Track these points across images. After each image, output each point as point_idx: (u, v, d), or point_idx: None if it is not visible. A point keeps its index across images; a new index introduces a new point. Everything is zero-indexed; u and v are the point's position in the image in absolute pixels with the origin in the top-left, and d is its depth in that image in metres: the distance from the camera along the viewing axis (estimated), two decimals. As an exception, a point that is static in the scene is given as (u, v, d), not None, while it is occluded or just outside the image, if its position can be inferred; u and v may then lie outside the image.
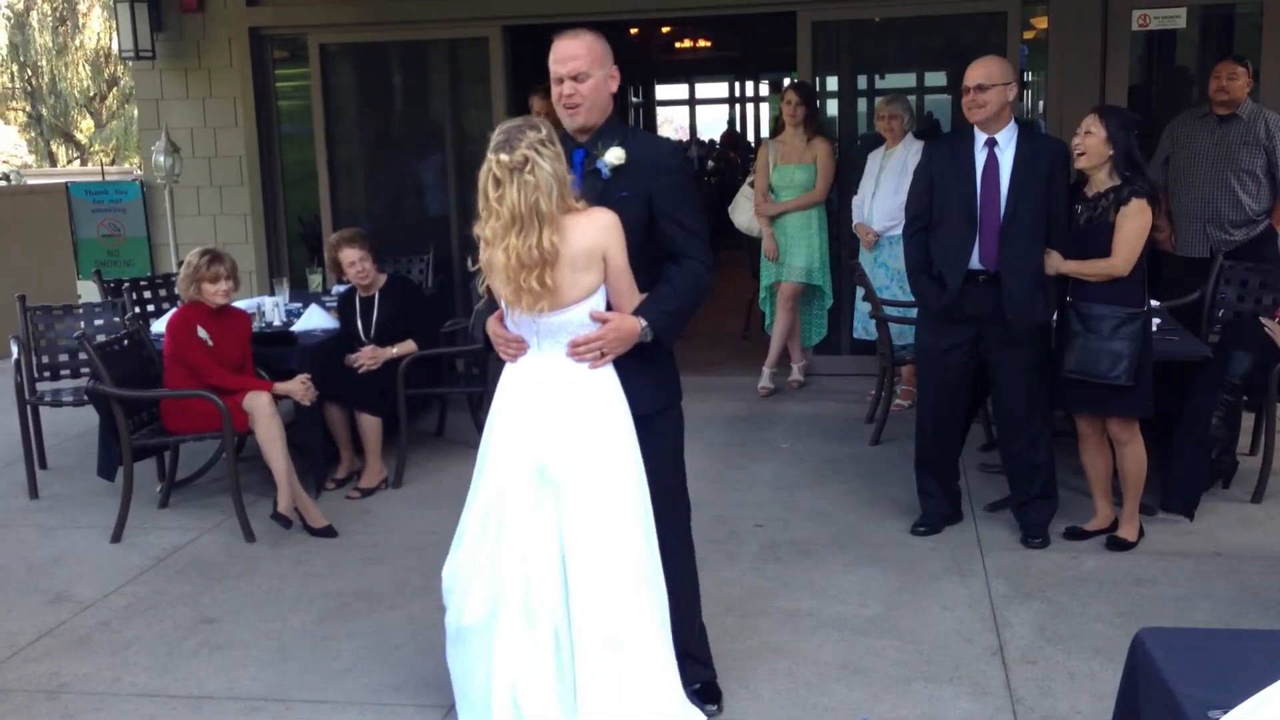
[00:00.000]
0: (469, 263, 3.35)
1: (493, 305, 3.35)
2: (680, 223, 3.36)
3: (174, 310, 5.71)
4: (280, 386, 5.39)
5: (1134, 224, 4.50)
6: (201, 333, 5.37)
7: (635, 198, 3.31)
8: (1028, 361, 4.79)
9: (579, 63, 3.30)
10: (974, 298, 4.75)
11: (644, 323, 3.26)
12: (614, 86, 3.39)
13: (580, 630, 3.21)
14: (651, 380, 3.37)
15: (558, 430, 3.23)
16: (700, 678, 3.60)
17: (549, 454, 3.23)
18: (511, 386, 3.33)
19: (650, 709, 3.24)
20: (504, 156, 3.09)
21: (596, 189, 3.32)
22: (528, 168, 3.06)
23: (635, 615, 3.23)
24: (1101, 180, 4.58)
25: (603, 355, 3.24)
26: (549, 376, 3.27)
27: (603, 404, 3.26)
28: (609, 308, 3.25)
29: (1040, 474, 4.91)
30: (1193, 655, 2.33)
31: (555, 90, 3.37)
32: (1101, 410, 4.71)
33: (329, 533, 5.20)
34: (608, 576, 3.20)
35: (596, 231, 3.16)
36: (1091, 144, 4.53)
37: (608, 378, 3.28)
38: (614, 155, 3.32)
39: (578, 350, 3.23)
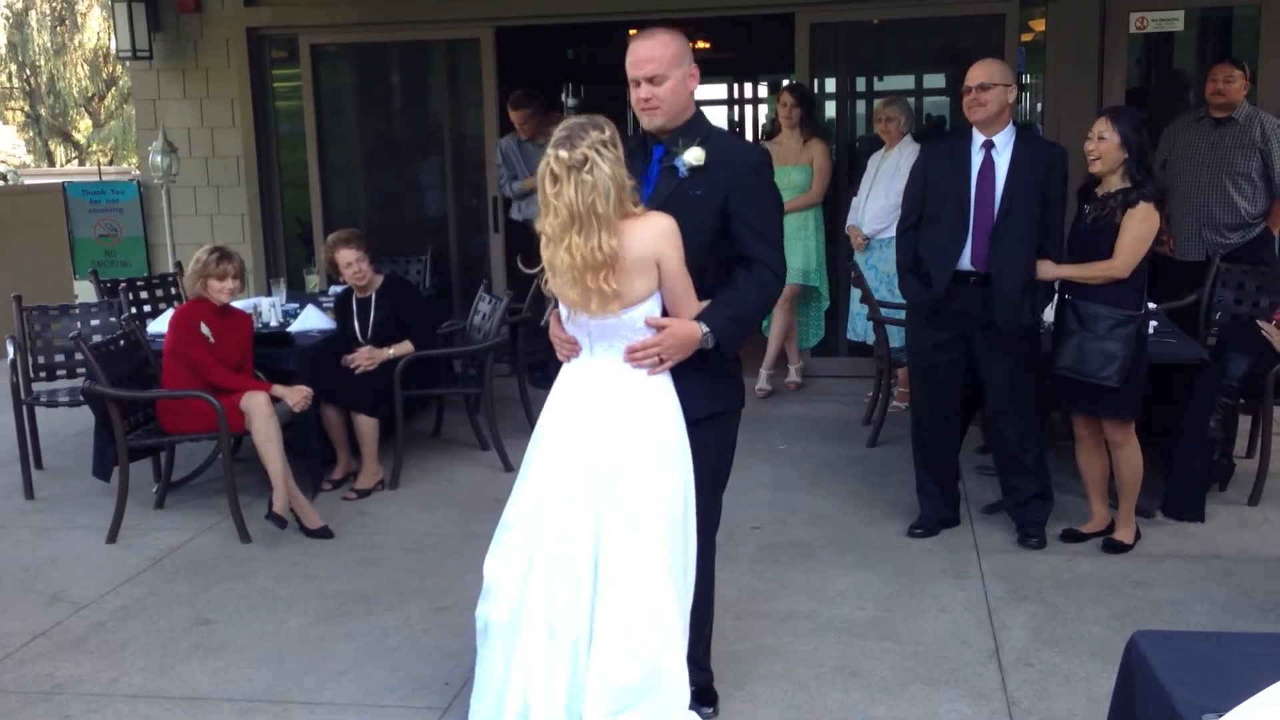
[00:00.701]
0: (518, 261, 3.25)
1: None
2: (753, 227, 3.27)
3: (178, 306, 5.71)
4: (279, 390, 5.39)
5: (1139, 227, 4.50)
6: (205, 329, 5.37)
7: (710, 198, 3.25)
8: (1015, 363, 4.80)
9: (654, 65, 3.23)
10: (963, 298, 4.76)
11: (705, 329, 3.20)
12: (694, 85, 3.30)
13: (600, 634, 3.16)
14: (707, 384, 3.29)
15: (609, 435, 3.19)
16: (697, 680, 3.57)
17: (602, 458, 3.19)
18: (565, 388, 3.31)
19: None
20: (563, 153, 3.05)
21: (671, 186, 3.27)
22: (586, 167, 3.03)
23: (669, 635, 3.18)
24: (1114, 182, 4.59)
25: (661, 361, 3.19)
26: (602, 380, 3.24)
27: (660, 409, 3.21)
28: (664, 313, 3.20)
29: (1030, 474, 4.91)
30: (1188, 658, 2.33)
31: (633, 93, 3.29)
32: (1093, 410, 4.71)
33: (325, 534, 5.20)
34: (645, 593, 3.15)
35: (651, 237, 3.11)
36: (1105, 148, 4.53)
37: (661, 382, 3.23)
38: (693, 155, 3.24)
39: (635, 356, 3.18)
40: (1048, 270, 4.65)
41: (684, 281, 3.17)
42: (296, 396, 5.40)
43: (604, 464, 3.18)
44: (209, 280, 5.39)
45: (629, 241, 3.08)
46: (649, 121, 3.31)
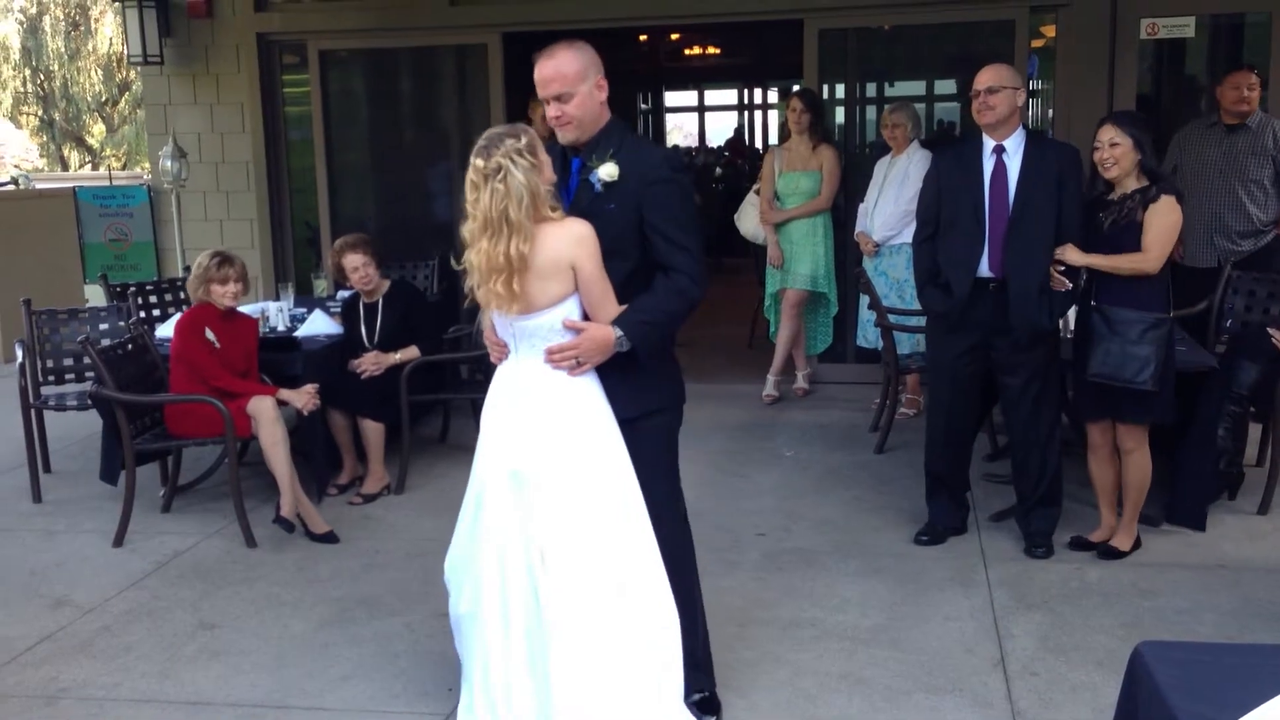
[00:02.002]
0: (452, 260, 3.35)
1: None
2: (665, 235, 3.33)
3: (183, 311, 5.73)
4: (285, 393, 5.39)
5: (1166, 220, 4.48)
6: (209, 334, 5.38)
7: (623, 210, 3.31)
8: (1035, 369, 4.77)
9: (556, 85, 3.31)
10: (982, 305, 4.73)
11: (619, 332, 3.26)
12: (602, 96, 3.37)
13: (553, 639, 3.23)
14: (636, 383, 3.36)
15: (530, 434, 3.28)
16: (701, 688, 3.58)
17: (521, 458, 3.28)
18: (495, 388, 3.42)
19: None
20: (479, 162, 3.17)
21: (588, 199, 3.34)
22: (500, 175, 3.13)
23: (613, 626, 3.22)
24: (1129, 183, 4.57)
25: (579, 364, 3.27)
26: (526, 380, 3.33)
27: (579, 408, 3.29)
28: (585, 317, 3.27)
29: (1045, 481, 4.88)
30: (1192, 669, 2.31)
31: (546, 110, 3.37)
32: (1120, 416, 4.68)
33: (330, 538, 5.19)
34: (580, 585, 3.21)
35: (567, 242, 3.19)
36: (1120, 153, 4.51)
37: (586, 382, 3.31)
38: (606, 171, 3.31)
39: (554, 357, 3.26)
40: (1075, 256, 4.59)
41: (600, 286, 3.24)
42: (303, 398, 5.40)
43: (517, 463, 3.28)
44: (211, 285, 5.40)
45: (542, 246, 3.16)
46: (562, 137, 3.39)
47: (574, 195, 3.38)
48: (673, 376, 3.53)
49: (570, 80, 3.30)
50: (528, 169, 3.13)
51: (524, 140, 3.17)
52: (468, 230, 3.22)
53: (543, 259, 3.17)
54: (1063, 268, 4.61)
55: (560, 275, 3.20)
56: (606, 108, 3.41)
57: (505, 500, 3.31)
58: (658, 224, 3.32)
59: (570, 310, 3.25)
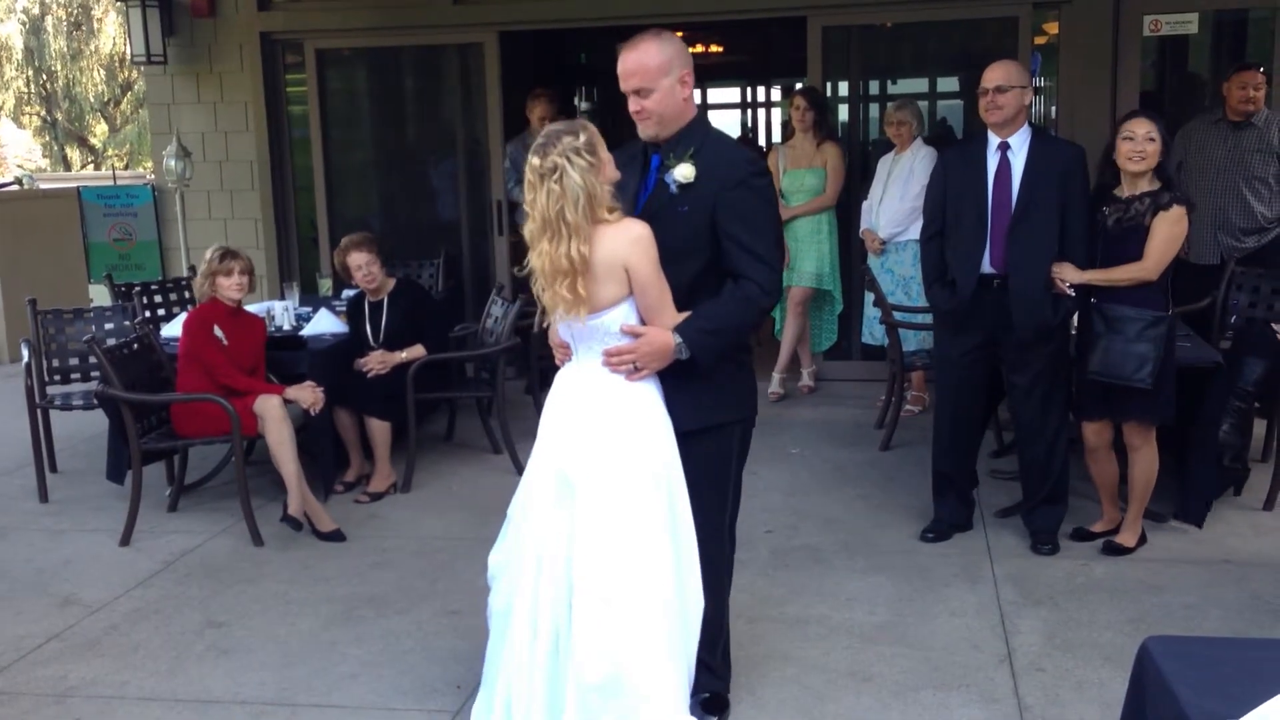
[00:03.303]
0: (515, 270, 3.32)
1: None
2: (740, 241, 3.25)
3: (191, 309, 5.74)
4: (291, 391, 5.40)
5: (1172, 230, 4.48)
6: (218, 331, 5.40)
7: (696, 213, 3.24)
8: (1042, 366, 4.77)
9: (639, 78, 3.22)
10: (987, 303, 4.73)
11: (678, 339, 3.20)
12: (686, 92, 3.27)
13: (578, 646, 3.18)
14: (698, 395, 3.29)
15: (580, 437, 3.24)
16: (710, 688, 3.57)
17: (568, 460, 3.24)
18: (555, 390, 3.38)
19: None
20: (536, 160, 3.11)
21: (663, 199, 3.27)
22: (555, 175, 3.07)
23: (641, 638, 3.18)
24: (1142, 184, 4.54)
25: (636, 369, 3.21)
26: (583, 382, 3.29)
27: (632, 415, 3.24)
28: (642, 321, 3.22)
29: (1052, 478, 4.89)
30: (1200, 664, 2.31)
31: (629, 103, 3.28)
32: (1121, 415, 4.68)
33: (337, 537, 5.20)
34: (614, 595, 3.17)
35: (622, 243, 3.12)
36: (1154, 150, 4.47)
37: (644, 390, 3.26)
38: (682, 173, 3.24)
39: (611, 361, 3.22)
40: (1073, 274, 4.59)
41: (657, 290, 3.17)
42: (308, 395, 5.42)
43: (566, 465, 3.24)
44: (217, 279, 5.42)
45: (598, 247, 3.11)
46: (642, 131, 3.32)
47: (649, 195, 3.29)
48: (741, 388, 3.43)
49: (652, 74, 3.21)
50: (585, 169, 3.07)
51: (582, 138, 3.10)
52: (527, 231, 3.16)
53: (599, 260, 3.11)
54: (1060, 278, 4.61)
55: (615, 277, 3.14)
56: (692, 104, 3.31)
57: (550, 502, 3.26)
58: (733, 230, 3.24)
59: (627, 313, 3.19)
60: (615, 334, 3.21)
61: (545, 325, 3.35)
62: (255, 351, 5.59)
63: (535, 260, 3.15)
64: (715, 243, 3.26)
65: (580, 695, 3.18)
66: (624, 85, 3.26)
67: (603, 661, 3.16)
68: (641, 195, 3.31)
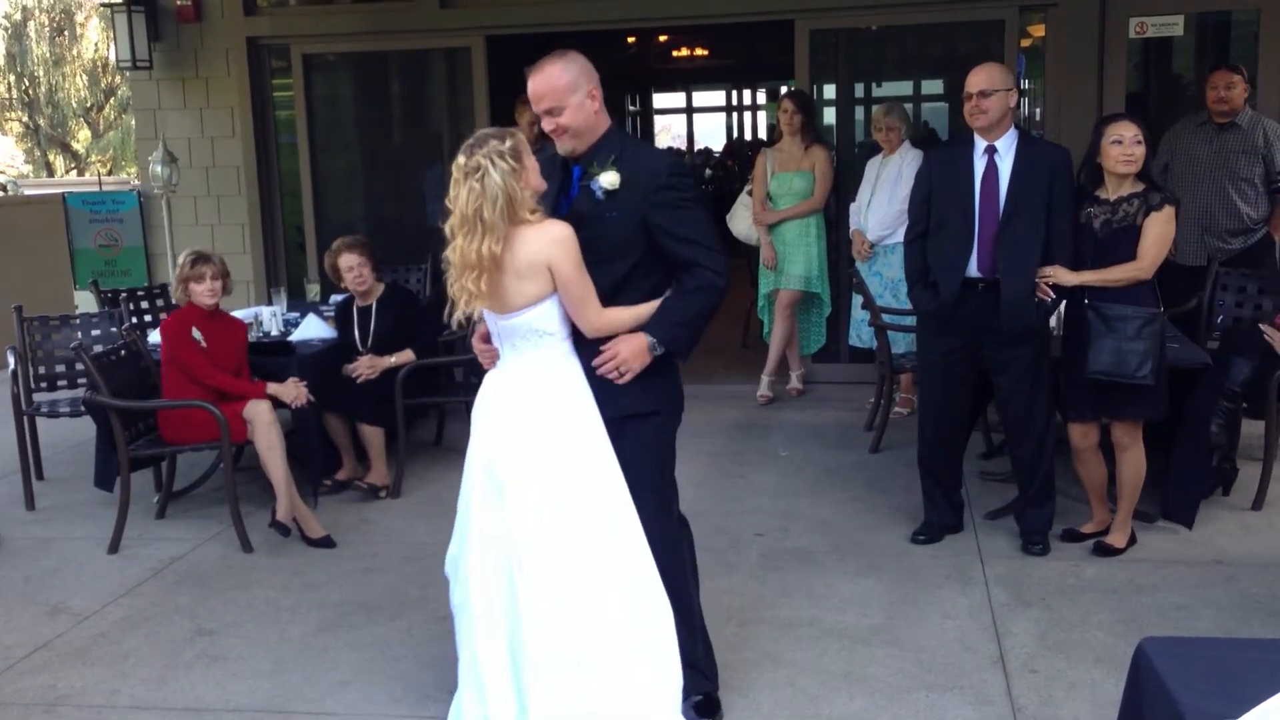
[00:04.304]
0: (443, 261, 3.38)
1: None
2: (679, 236, 3.36)
3: (169, 313, 5.71)
4: (273, 388, 5.38)
5: (1163, 229, 4.52)
6: (196, 334, 5.36)
7: (625, 217, 3.33)
8: (1026, 367, 4.78)
9: (548, 100, 3.32)
10: (972, 305, 4.74)
11: (651, 339, 3.32)
12: (595, 105, 3.37)
13: (530, 642, 3.25)
14: (622, 385, 3.36)
15: (507, 431, 3.32)
16: (700, 689, 3.58)
17: (496, 453, 3.32)
18: (483, 387, 3.46)
19: None
20: (461, 159, 3.22)
21: (589, 206, 3.36)
22: (478, 174, 3.17)
23: (592, 627, 3.24)
24: (1127, 186, 4.57)
25: (621, 374, 3.32)
26: (508, 379, 3.38)
27: (557, 407, 3.32)
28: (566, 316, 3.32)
29: (1040, 477, 4.90)
30: (1197, 665, 2.31)
31: (542, 123, 3.39)
32: (1116, 413, 4.70)
33: (327, 543, 5.18)
34: (555, 586, 3.23)
35: (544, 243, 3.21)
36: (1142, 153, 4.52)
37: (570, 381, 3.34)
38: (608, 180, 3.33)
39: (600, 370, 3.32)
40: (1067, 277, 4.61)
41: (580, 288, 3.26)
42: (290, 390, 5.40)
43: (492, 458, 3.33)
44: (190, 285, 5.38)
45: (519, 247, 3.20)
46: (561, 148, 3.41)
47: (573, 202, 3.40)
48: (665, 380, 3.49)
49: (561, 93, 3.32)
50: (507, 171, 3.16)
51: (508, 143, 3.19)
52: (448, 226, 3.26)
53: (520, 259, 3.20)
54: (1050, 281, 4.62)
55: (537, 276, 3.23)
56: (604, 115, 3.42)
57: (487, 496, 3.35)
58: (669, 228, 3.35)
59: (549, 310, 3.28)
60: (537, 331, 3.30)
61: (450, 317, 3.35)
62: (237, 353, 5.54)
63: (451, 254, 3.25)
64: (645, 244, 3.36)
65: (541, 672, 3.24)
66: (536, 107, 3.37)
67: (562, 662, 3.23)
68: (564, 202, 3.41)
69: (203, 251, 5.51)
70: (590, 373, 3.35)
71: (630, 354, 3.32)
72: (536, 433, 3.30)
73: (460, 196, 3.19)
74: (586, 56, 3.44)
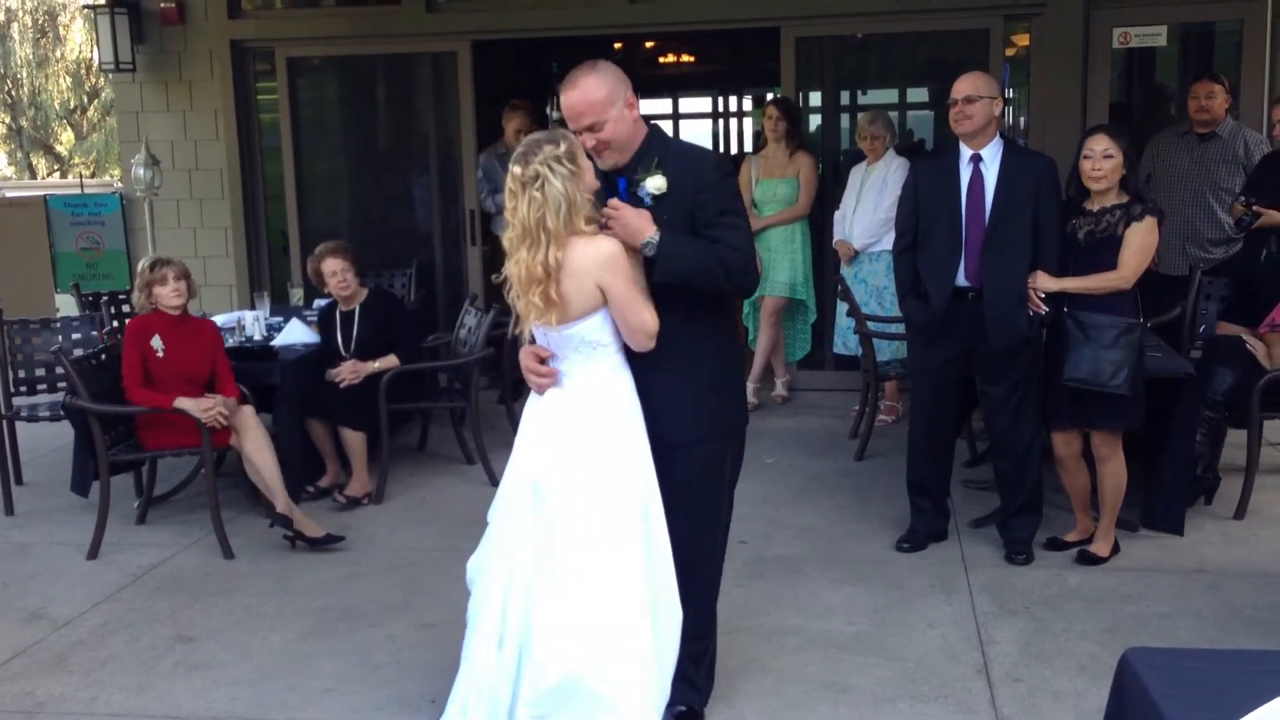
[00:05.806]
0: (493, 277, 3.34)
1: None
2: (724, 225, 3.32)
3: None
4: (182, 402, 5.13)
5: (1144, 240, 4.54)
6: (156, 342, 5.27)
7: (676, 220, 3.29)
8: (1017, 378, 4.78)
9: (588, 116, 3.25)
10: (961, 315, 4.75)
11: (654, 237, 3.22)
12: (633, 114, 3.32)
13: (536, 653, 3.23)
14: (679, 408, 3.33)
15: (555, 448, 3.26)
16: (686, 700, 3.56)
17: (542, 470, 3.27)
18: (533, 399, 3.40)
19: None
20: (517, 169, 3.14)
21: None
22: (537, 183, 3.10)
23: (603, 645, 3.22)
24: (1109, 197, 4.59)
25: (608, 227, 3.22)
26: (559, 392, 3.31)
27: (606, 426, 3.27)
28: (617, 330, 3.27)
29: (1027, 488, 4.90)
30: (1182, 676, 2.31)
31: (583, 140, 3.30)
32: (1093, 422, 4.70)
33: (331, 540, 5.16)
34: (576, 602, 3.21)
35: (596, 261, 3.15)
36: (1111, 166, 4.54)
37: (621, 402, 3.29)
38: (654, 184, 3.28)
39: (603, 214, 3.22)
40: (1047, 283, 4.62)
41: (635, 304, 3.19)
42: (205, 404, 5.15)
43: (539, 475, 3.27)
44: (154, 289, 5.30)
45: (571, 259, 3.14)
46: (603, 163, 3.35)
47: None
48: (725, 404, 3.46)
49: (600, 107, 3.24)
50: (566, 176, 3.10)
51: (563, 147, 3.13)
52: (507, 240, 3.18)
53: (570, 272, 3.14)
54: (1036, 290, 4.63)
55: (586, 291, 3.18)
56: (641, 121, 3.36)
57: (522, 512, 3.29)
58: (715, 228, 3.30)
59: (600, 323, 3.23)
60: (590, 342, 3.24)
61: (517, 333, 3.34)
62: (204, 357, 5.38)
63: (512, 268, 3.18)
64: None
65: (535, 698, 3.23)
66: (573, 125, 3.29)
67: (560, 664, 3.22)
68: None
69: (160, 256, 5.45)
70: (643, 394, 3.31)
71: (628, 223, 3.21)
72: (586, 450, 3.25)
73: (520, 208, 3.12)
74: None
